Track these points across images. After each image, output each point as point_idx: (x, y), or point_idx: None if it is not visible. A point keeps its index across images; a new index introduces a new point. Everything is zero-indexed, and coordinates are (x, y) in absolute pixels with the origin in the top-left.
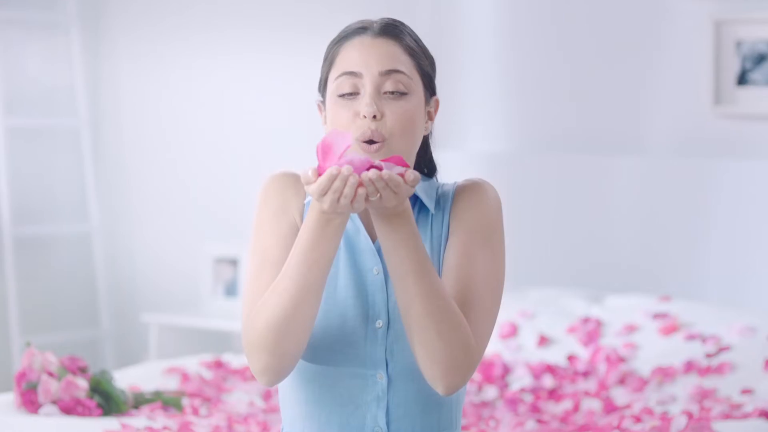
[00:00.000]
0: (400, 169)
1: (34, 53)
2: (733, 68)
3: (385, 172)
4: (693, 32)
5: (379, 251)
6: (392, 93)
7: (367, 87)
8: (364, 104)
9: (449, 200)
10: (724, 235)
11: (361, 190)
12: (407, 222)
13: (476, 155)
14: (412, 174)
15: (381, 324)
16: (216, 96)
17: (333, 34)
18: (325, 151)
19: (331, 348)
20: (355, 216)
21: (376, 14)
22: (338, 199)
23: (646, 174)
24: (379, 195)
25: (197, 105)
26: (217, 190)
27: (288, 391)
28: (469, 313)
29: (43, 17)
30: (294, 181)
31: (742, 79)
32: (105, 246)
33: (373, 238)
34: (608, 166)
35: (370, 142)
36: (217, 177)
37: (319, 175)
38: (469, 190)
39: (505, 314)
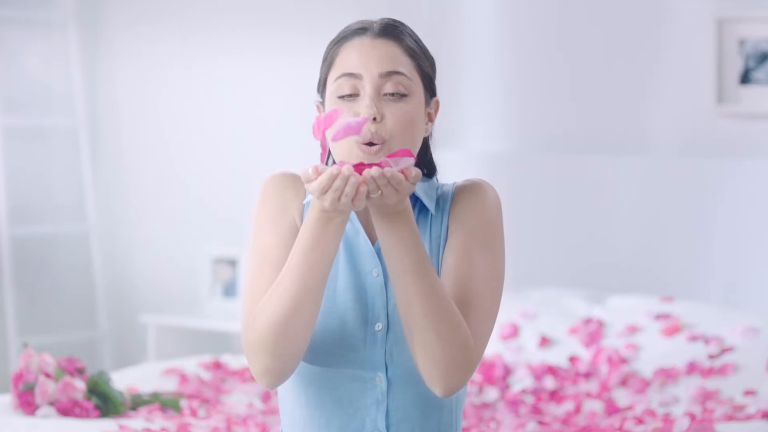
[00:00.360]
0: (408, 161)
1: (32, 52)
2: (735, 67)
3: (387, 169)
4: (695, 31)
5: (378, 253)
6: (392, 95)
7: (366, 89)
8: (364, 106)
9: (448, 201)
10: (727, 235)
11: (362, 188)
12: (407, 220)
13: (477, 155)
14: (414, 170)
15: (380, 327)
16: (215, 95)
17: (333, 33)
18: (318, 126)
19: (330, 351)
20: (354, 218)
21: (377, 14)
22: (339, 198)
23: (648, 174)
24: (380, 192)
25: (196, 104)
26: (216, 190)
27: (287, 394)
28: (468, 314)
29: (40, 16)
30: (293, 181)
31: (745, 78)
32: (103, 246)
33: (373, 240)
34: (610, 166)
35: (370, 144)
36: (216, 177)
37: (321, 145)
38: (468, 190)
39: (506, 315)
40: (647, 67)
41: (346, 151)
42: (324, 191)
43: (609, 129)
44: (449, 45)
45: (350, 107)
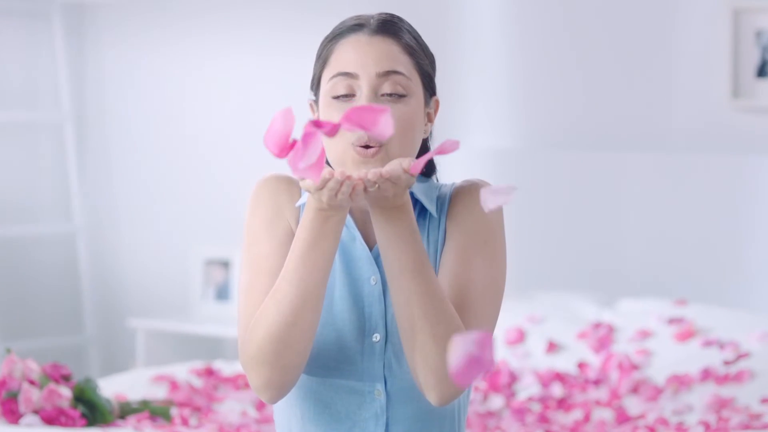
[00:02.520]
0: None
1: (15, 42)
2: (752, 59)
3: (384, 169)
4: (710, 21)
5: (377, 259)
6: (390, 95)
7: (363, 89)
8: None
9: (446, 202)
10: (742, 235)
11: (359, 186)
12: (406, 216)
13: (482, 152)
14: (411, 162)
15: (378, 338)
16: (207, 89)
17: (328, 29)
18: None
19: (326, 363)
20: (350, 223)
21: (374, 7)
22: (336, 195)
23: (661, 171)
24: (377, 186)
25: (187, 98)
26: (208, 189)
27: (283, 407)
28: (467, 319)
29: (23, 4)
30: (287, 184)
31: (762, 71)
32: (89, 247)
33: (371, 246)
34: (620, 163)
35: (366, 146)
36: (208, 174)
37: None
38: (466, 191)
39: (512, 319)
40: (660, 59)
41: (341, 153)
42: (320, 188)
43: (619, 125)
44: (453, 36)
45: (345, 108)
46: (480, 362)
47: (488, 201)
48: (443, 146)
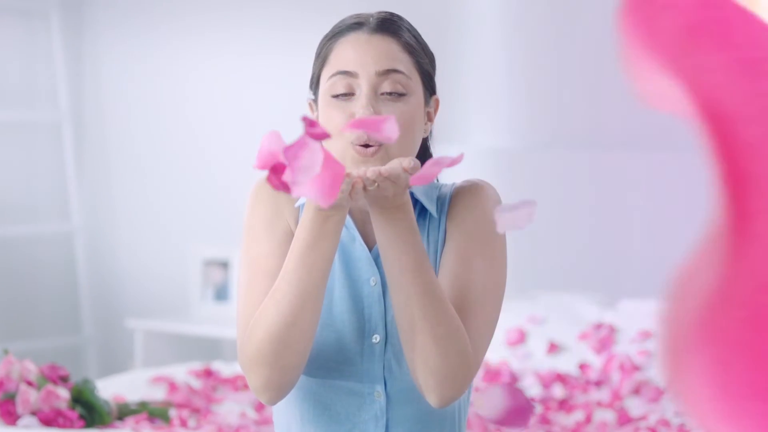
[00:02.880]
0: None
1: (12, 41)
2: None
3: (384, 168)
4: None
5: (376, 260)
6: (390, 94)
7: (363, 88)
8: (360, 106)
9: (446, 203)
10: None
11: (358, 184)
12: (406, 216)
13: (481, 152)
14: (411, 161)
15: (378, 339)
16: (206, 89)
17: (327, 27)
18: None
19: (326, 365)
20: (350, 224)
21: (374, 6)
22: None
23: (662, 171)
24: (376, 184)
25: (186, 98)
26: (206, 188)
27: (282, 408)
28: (467, 321)
29: (22, 3)
30: None
31: None
32: (88, 247)
33: (370, 246)
34: (621, 163)
35: (366, 146)
36: (207, 174)
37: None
38: (466, 191)
39: (513, 320)
40: None
41: (340, 152)
42: None
43: (620, 124)
44: (453, 35)
45: (345, 107)
46: (520, 411)
47: (504, 222)
48: (448, 161)
